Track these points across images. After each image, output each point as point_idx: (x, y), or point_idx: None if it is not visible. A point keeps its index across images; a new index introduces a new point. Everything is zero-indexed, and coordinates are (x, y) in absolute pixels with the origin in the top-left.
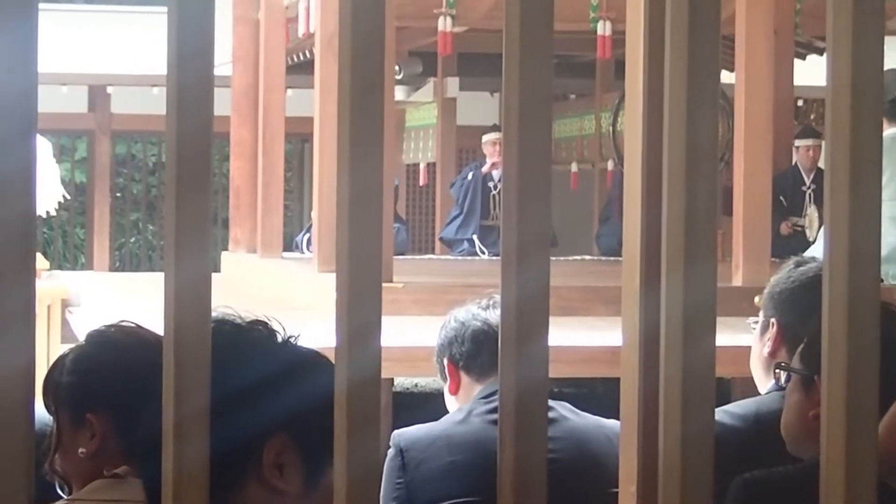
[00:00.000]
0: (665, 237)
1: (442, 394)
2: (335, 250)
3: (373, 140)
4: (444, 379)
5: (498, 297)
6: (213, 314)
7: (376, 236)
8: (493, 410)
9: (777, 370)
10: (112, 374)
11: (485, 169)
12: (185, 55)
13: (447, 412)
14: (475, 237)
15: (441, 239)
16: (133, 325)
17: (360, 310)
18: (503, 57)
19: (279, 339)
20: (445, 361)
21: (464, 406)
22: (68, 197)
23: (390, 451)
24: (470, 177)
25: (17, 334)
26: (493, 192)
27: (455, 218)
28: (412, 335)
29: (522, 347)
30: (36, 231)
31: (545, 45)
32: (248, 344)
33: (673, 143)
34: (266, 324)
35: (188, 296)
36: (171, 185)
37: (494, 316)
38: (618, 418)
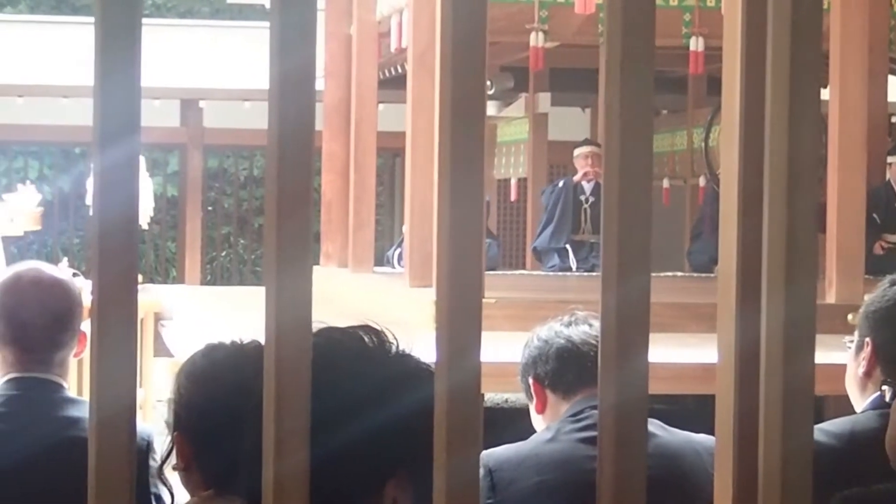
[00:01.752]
0: (766, 254)
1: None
2: (436, 265)
3: (473, 157)
4: (531, 398)
5: (580, 314)
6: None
7: (476, 252)
8: (582, 429)
9: (884, 387)
10: (192, 403)
11: (576, 178)
12: (287, 70)
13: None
14: (568, 247)
15: (535, 249)
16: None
17: (460, 326)
18: (604, 72)
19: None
20: (531, 380)
21: (552, 424)
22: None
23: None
24: (561, 184)
25: (120, 348)
26: (585, 205)
27: (545, 226)
28: (504, 351)
29: (623, 364)
30: (138, 245)
31: (646, 59)
32: (389, 381)
33: (774, 160)
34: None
35: (289, 311)
36: (272, 200)
37: (577, 332)
38: (708, 434)
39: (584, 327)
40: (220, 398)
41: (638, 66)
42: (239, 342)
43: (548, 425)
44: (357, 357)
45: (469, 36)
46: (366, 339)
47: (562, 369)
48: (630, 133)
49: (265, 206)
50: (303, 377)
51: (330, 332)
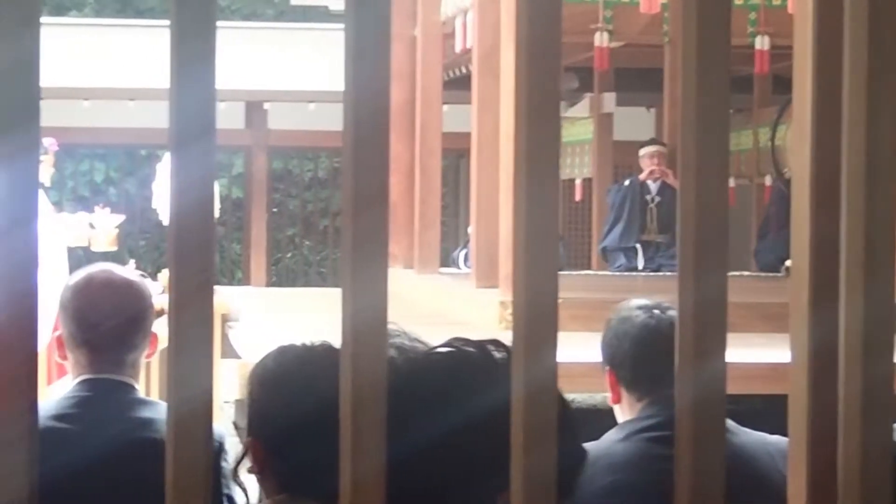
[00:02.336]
0: (844, 252)
1: (599, 410)
2: (512, 266)
3: (548, 158)
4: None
5: (657, 312)
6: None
7: (552, 252)
8: (654, 427)
9: None
10: (263, 408)
11: (642, 177)
12: (362, 71)
13: (605, 428)
14: (638, 245)
15: (604, 248)
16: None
17: (535, 326)
18: (681, 70)
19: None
20: (607, 372)
21: (624, 423)
22: (217, 215)
23: None
24: (627, 183)
25: (197, 348)
26: (651, 204)
27: (614, 225)
28: (570, 351)
29: (700, 364)
30: (215, 246)
31: (722, 58)
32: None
33: (852, 156)
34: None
35: (365, 311)
36: (348, 201)
37: (654, 333)
38: (775, 435)
39: (664, 323)
40: (291, 403)
41: (714, 64)
42: (309, 344)
43: (621, 423)
44: (485, 372)
45: (544, 36)
46: (495, 354)
47: (635, 369)
48: (706, 131)
49: (341, 208)
50: (379, 376)
51: (461, 346)
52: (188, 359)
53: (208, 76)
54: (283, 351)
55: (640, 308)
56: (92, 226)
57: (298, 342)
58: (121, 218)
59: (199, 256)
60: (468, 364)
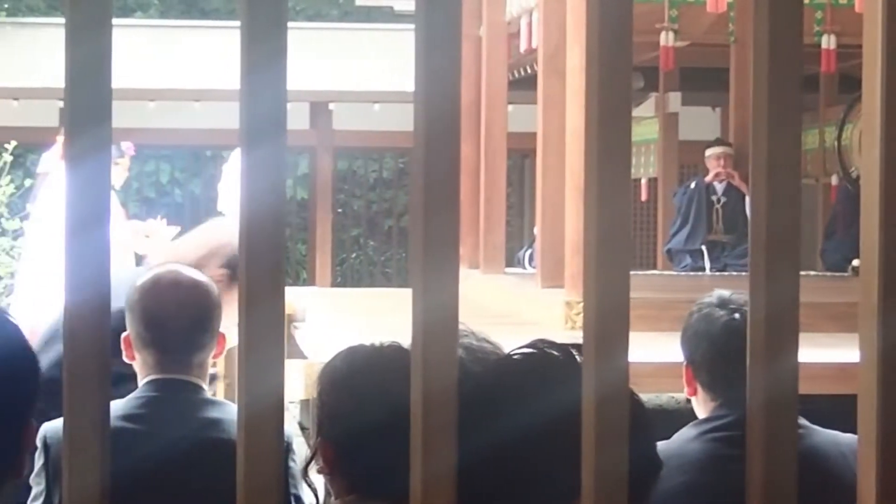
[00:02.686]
0: None
1: (665, 411)
2: (584, 268)
3: (620, 159)
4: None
5: (738, 315)
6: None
7: (624, 251)
8: (725, 427)
9: None
10: (332, 410)
11: (708, 178)
12: (431, 73)
13: (671, 429)
14: (704, 248)
15: (668, 250)
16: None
17: (608, 326)
18: (752, 70)
19: None
20: (685, 366)
21: (697, 423)
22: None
23: None
24: (693, 186)
25: (267, 348)
26: (717, 205)
27: (680, 228)
28: (637, 351)
29: (771, 364)
30: (285, 245)
31: (794, 57)
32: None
33: None
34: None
35: (436, 311)
36: (419, 202)
37: (729, 333)
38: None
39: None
40: (360, 404)
41: (785, 63)
42: (378, 345)
43: (693, 423)
44: (567, 374)
45: (615, 36)
46: (578, 357)
47: (714, 372)
48: (777, 129)
49: (410, 209)
50: (449, 377)
51: (544, 349)
52: (259, 359)
53: (279, 77)
54: (353, 351)
55: (722, 306)
56: (147, 236)
57: (368, 343)
58: (176, 229)
59: (270, 257)
60: (550, 366)
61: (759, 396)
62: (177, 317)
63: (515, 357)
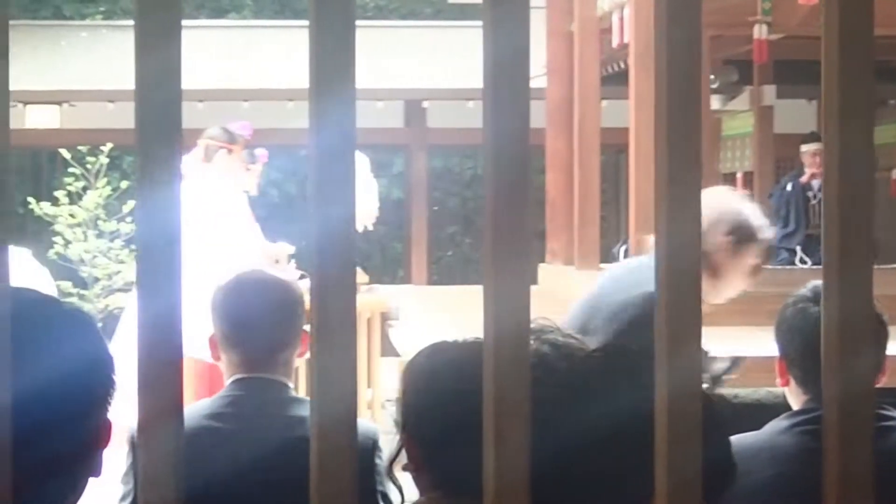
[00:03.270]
0: None
1: (763, 405)
2: (655, 263)
3: (689, 151)
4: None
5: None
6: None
7: (695, 246)
8: (815, 421)
9: None
10: (415, 406)
11: (803, 179)
12: (500, 69)
13: (766, 423)
14: (798, 248)
15: None
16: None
17: (679, 320)
18: (822, 63)
19: None
20: (778, 358)
21: (789, 415)
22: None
23: None
24: (789, 187)
25: (340, 347)
26: (813, 201)
27: (779, 230)
28: (729, 346)
29: (846, 358)
30: (355, 245)
31: (865, 49)
32: None
33: None
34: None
35: (508, 309)
36: (490, 200)
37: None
38: None
39: None
40: (443, 400)
41: (857, 53)
42: (460, 341)
43: (784, 415)
44: (644, 372)
45: (685, 32)
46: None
47: (806, 367)
48: (848, 123)
49: (485, 206)
50: (522, 375)
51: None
52: (332, 357)
53: (348, 75)
54: (436, 348)
55: (816, 300)
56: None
57: (451, 339)
58: (291, 248)
59: (341, 256)
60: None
61: (835, 390)
62: (260, 316)
63: (599, 354)
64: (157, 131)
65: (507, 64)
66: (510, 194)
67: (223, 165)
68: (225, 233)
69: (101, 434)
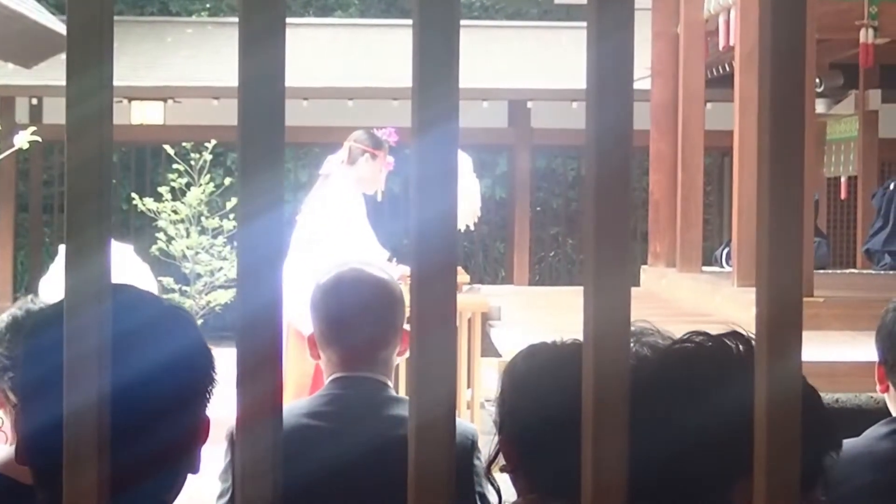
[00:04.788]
0: None
1: (863, 410)
2: (755, 264)
3: (792, 155)
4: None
5: None
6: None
7: (796, 250)
8: None
9: None
10: (512, 408)
11: None
12: (603, 71)
13: (866, 428)
14: None
15: (867, 250)
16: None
17: (779, 324)
18: None
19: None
20: (877, 365)
21: (889, 420)
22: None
23: None
24: (892, 186)
25: (439, 347)
26: None
27: (880, 230)
28: (832, 350)
29: None
30: (456, 244)
31: None
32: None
33: None
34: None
35: (607, 310)
36: (591, 201)
37: None
38: None
39: None
40: (539, 402)
41: None
42: (559, 342)
43: (885, 420)
44: (720, 365)
45: (789, 36)
46: (731, 347)
47: None
48: None
49: (584, 206)
50: (621, 377)
51: (699, 340)
52: (431, 358)
53: (451, 75)
54: (533, 350)
55: None
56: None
57: (549, 340)
58: (405, 270)
59: (442, 254)
60: (704, 358)
61: None
62: (358, 314)
63: (669, 351)
64: (259, 129)
65: (610, 65)
66: (611, 196)
67: (365, 169)
68: (349, 237)
69: (199, 430)
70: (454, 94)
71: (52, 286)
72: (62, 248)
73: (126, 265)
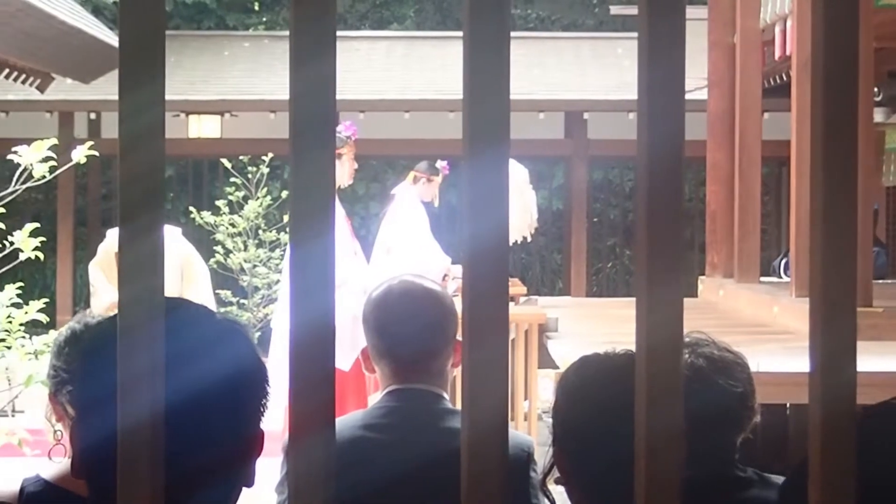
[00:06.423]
0: None
1: None
2: (809, 273)
3: (846, 164)
4: None
5: None
6: (686, 339)
7: (850, 259)
8: None
9: None
10: (565, 420)
11: None
12: (655, 81)
13: None
14: None
15: None
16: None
17: (833, 335)
18: None
19: None
20: None
21: None
22: (537, 226)
23: None
24: None
25: (492, 356)
26: None
27: None
28: (892, 361)
29: None
30: (508, 255)
31: None
32: None
33: None
34: None
35: (660, 320)
36: (643, 212)
37: None
38: None
39: None
40: (591, 413)
41: None
42: (610, 354)
43: None
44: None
45: (842, 45)
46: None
47: None
48: None
49: (636, 217)
50: (674, 388)
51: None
52: (483, 370)
53: (502, 87)
54: (585, 361)
55: None
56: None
57: (601, 352)
58: (449, 259)
59: (494, 265)
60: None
61: None
62: (409, 326)
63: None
64: (310, 142)
65: (662, 77)
66: (663, 208)
67: (423, 189)
68: (415, 244)
69: (253, 444)
70: (505, 107)
71: (100, 268)
72: (110, 232)
73: (173, 247)
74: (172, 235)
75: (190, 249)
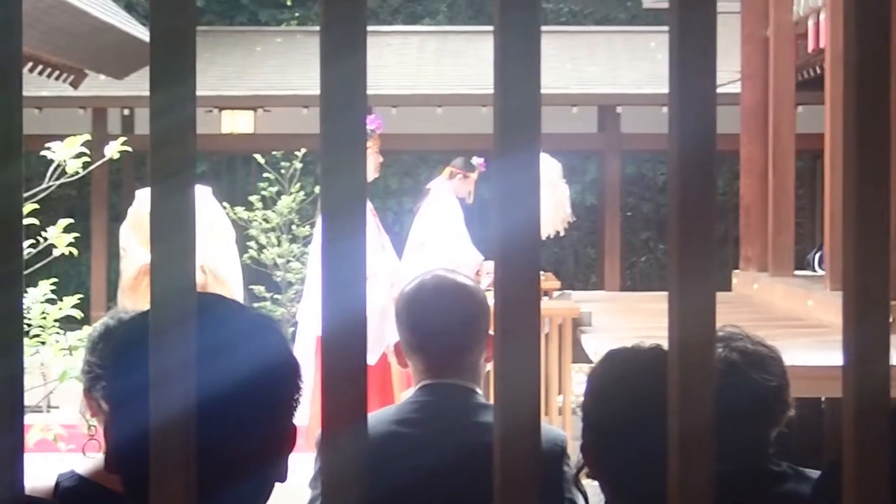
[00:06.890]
0: None
1: None
2: (843, 268)
3: (879, 158)
4: None
5: None
6: (720, 333)
7: (883, 252)
8: None
9: None
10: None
11: None
12: (686, 74)
13: None
14: None
15: None
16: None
17: (867, 329)
18: None
19: None
20: None
21: None
22: (573, 218)
23: None
24: None
25: (524, 351)
26: None
27: None
28: None
29: None
30: (540, 249)
31: None
32: None
33: None
34: None
35: (692, 314)
36: (674, 206)
37: None
38: None
39: None
40: (615, 407)
41: None
42: (638, 348)
43: None
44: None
45: (873, 38)
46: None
47: None
48: None
49: (669, 212)
50: (707, 382)
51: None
52: (515, 365)
53: (533, 82)
54: (612, 355)
55: None
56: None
57: (628, 346)
58: (480, 257)
59: (526, 259)
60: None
61: None
62: (441, 320)
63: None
64: (340, 137)
65: (693, 71)
66: (695, 202)
67: (459, 185)
68: (448, 238)
69: (286, 439)
70: (536, 101)
71: (132, 229)
72: (139, 192)
73: (202, 209)
74: (202, 198)
75: (213, 213)
